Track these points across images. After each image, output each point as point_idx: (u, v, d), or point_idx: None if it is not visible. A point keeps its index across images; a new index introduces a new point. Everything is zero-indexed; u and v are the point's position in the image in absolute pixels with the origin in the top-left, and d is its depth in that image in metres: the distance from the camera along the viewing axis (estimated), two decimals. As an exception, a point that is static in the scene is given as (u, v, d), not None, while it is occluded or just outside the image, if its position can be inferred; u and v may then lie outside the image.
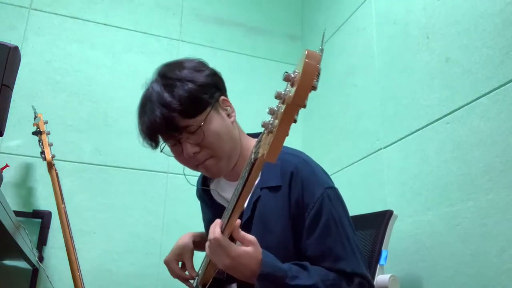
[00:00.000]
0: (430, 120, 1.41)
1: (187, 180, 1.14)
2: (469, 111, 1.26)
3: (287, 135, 0.64)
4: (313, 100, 2.35)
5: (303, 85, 0.58)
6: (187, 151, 1.00)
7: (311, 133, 2.27)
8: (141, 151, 2.00)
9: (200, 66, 1.06)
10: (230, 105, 1.07)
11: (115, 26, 2.12)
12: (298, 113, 0.62)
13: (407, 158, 1.50)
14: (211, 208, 1.16)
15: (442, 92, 1.38)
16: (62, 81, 1.96)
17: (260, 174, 0.99)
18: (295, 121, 0.63)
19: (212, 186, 1.18)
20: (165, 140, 1.04)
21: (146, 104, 1.03)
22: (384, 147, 1.64)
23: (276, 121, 0.63)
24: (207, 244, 0.87)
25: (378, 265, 1.20)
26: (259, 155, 0.69)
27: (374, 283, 1.17)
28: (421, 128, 1.45)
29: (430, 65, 1.44)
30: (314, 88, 0.59)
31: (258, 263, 0.85)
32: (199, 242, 1.20)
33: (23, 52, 1.84)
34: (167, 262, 1.15)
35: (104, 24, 2.10)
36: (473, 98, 1.25)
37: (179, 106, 0.96)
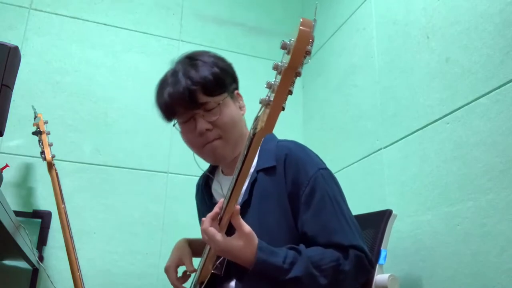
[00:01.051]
0: (430, 120, 1.41)
1: (197, 166, 1.17)
2: (469, 111, 1.26)
3: (284, 102, 0.67)
4: (313, 100, 2.37)
5: (298, 49, 0.62)
6: (201, 126, 1.04)
7: (311, 133, 2.27)
8: (141, 151, 2.03)
9: (221, 58, 1.12)
10: (242, 100, 1.14)
11: (115, 26, 2.12)
12: (294, 83, 0.65)
13: (407, 158, 1.50)
14: (210, 209, 1.17)
15: (442, 92, 1.38)
16: (62, 81, 1.96)
17: (257, 155, 1.02)
18: (290, 93, 0.66)
19: (213, 185, 1.18)
20: (181, 114, 1.07)
21: (170, 78, 1.07)
22: (384, 147, 1.64)
23: (273, 93, 0.66)
24: (202, 232, 0.91)
25: (378, 265, 1.20)
26: (257, 130, 0.72)
27: (373, 283, 1.17)
28: (421, 128, 1.45)
29: (430, 65, 1.44)
30: (308, 52, 0.62)
31: (251, 260, 0.87)
32: (194, 246, 1.21)
33: (23, 52, 1.85)
34: (166, 270, 1.16)
35: (104, 24, 2.11)
36: (473, 98, 1.25)
37: (203, 82, 1.02)
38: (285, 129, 1.96)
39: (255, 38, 2.37)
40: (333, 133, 2.04)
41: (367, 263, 0.96)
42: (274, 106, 0.67)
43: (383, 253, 1.21)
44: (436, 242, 1.31)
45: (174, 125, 1.12)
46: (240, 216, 0.87)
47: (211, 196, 1.19)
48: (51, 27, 2.01)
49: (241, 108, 1.13)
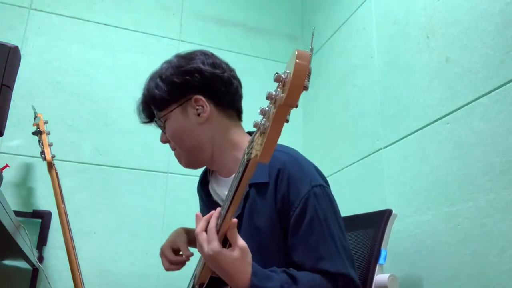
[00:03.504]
0: (430, 120, 1.41)
1: None
2: (469, 111, 1.26)
3: (280, 135, 0.64)
4: (313, 100, 2.36)
5: (295, 86, 0.58)
6: (161, 137, 1.13)
7: (311, 133, 2.27)
8: (141, 151, 2.03)
9: (187, 62, 1.08)
10: (204, 104, 1.07)
11: (115, 26, 2.12)
12: (290, 113, 0.62)
13: (407, 158, 1.50)
14: (207, 206, 1.17)
15: (442, 92, 1.38)
16: (62, 81, 1.96)
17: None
18: (287, 121, 0.63)
19: (211, 183, 1.19)
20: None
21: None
22: (384, 147, 1.64)
23: (268, 123, 0.63)
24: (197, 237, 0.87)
25: (378, 265, 1.20)
26: (252, 155, 0.69)
27: (374, 283, 1.17)
28: (421, 128, 1.45)
29: (430, 65, 1.44)
30: (305, 88, 0.59)
31: (246, 284, 0.83)
32: (192, 236, 1.18)
33: (23, 52, 1.85)
34: (161, 252, 1.14)
35: (104, 24, 2.10)
36: (473, 98, 1.25)
37: (146, 100, 1.11)
38: (285, 129, 1.96)
39: (255, 38, 2.37)
40: (333, 133, 2.04)
41: None
42: (270, 137, 0.63)
43: (383, 253, 1.21)
44: (436, 242, 1.31)
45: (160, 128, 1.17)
46: (236, 230, 0.84)
47: (208, 194, 1.19)
48: (51, 27, 2.01)
49: (199, 115, 1.07)
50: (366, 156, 1.75)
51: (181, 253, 1.14)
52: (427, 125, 1.42)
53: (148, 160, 1.99)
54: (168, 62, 1.11)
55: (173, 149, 1.13)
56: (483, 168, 1.18)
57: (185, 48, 2.19)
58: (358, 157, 1.80)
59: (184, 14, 2.27)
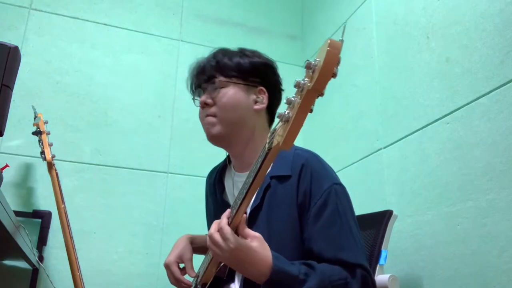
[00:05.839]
0: (430, 120, 1.41)
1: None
2: (469, 111, 1.26)
3: (303, 123, 0.66)
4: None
5: (325, 71, 0.60)
6: (202, 98, 1.12)
7: (311, 133, 2.27)
8: (141, 151, 2.03)
9: (262, 55, 1.17)
10: (264, 97, 1.13)
11: (115, 26, 2.12)
12: (314, 102, 0.64)
13: (407, 158, 1.50)
14: (219, 205, 1.16)
15: (442, 92, 1.38)
16: (62, 81, 1.96)
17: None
18: (311, 111, 0.65)
19: (226, 179, 1.19)
20: (192, 85, 1.18)
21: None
22: (384, 147, 1.64)
23: (293, 110, 0.65)
24: (208, 238, 0.88)
25: (378, 265, 1.20)
26: (274, 144, 0.71)
27: (374, 283, 1.17)
28: (421, 128, 1.45)
29: (430, 65, 1.44)
30: (334, 75, 0.61)
31: (268, 266, 0.85)
32: (196, 244, 1.20)
33: (23, 52, 1.84)
34: (167, 265, 1.15)
35: (104, 24, 2.10)
36: (473, 98, 1.25)
37: (219, 61, 1.11)
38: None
39: (255, 38, 2.37)
40: (333, 133, 2.04)
41: (371, 284, 0.95)
42: (294, 124, 0.65)
43: (383, 254, 1.21)
44: (436, 242, 1.31)
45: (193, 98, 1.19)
46: (245, 225, 0.87)
47: (222, 191, 1.19)
48: (51, 27, 2.01)
49: (256, 102, 1.12)
50: (366, 156, 1.75)
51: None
52: (427, 125, 1.42)
53: (148, 160, 1.99)
54: (244, 48, 1.17)
55: (208, 115, 1.11)
56: (483, 168, 1.18)
57: (185, 48, 2.21)
58: (358, 157, 1.80)
59: (184, 14, 2.27)
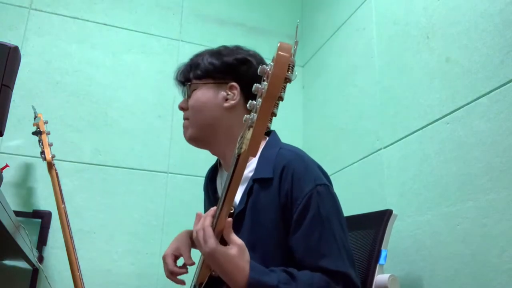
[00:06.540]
0: (430, 120, 1.41)
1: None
2: (469, 111, 1.26)
3: (267, 128, 0.65)
4: (313, 100, 2.36)
5: (275, 76, 0.59)
6: (180, 102, 1.16)
7: (311, 133, 2.27)
8: (141, 151, 2.03)
9: (243, 51, 1.14)
10: (236, 92, 1.10)
11: (115, 26, 2.12)
12: (277, 106, 0.62)
13: (407, 158, 1.50)
14: (212, 203, 1.17)
15: (442, 92, 1.38)
16: (62, 81, 1.96)
17: (255, 166, 1.02)
18: (274, 115, 0.64)
19: (218, 179, 1.19)
20: (181, 91, 1.20)
21: None
22: (384, 147, 1.64)
23: (255, 116, 0.64)
24: (193, 233, 0.88)
25: (378, 265, 1.20)
26: (242, 150, 0.70)
27: (374, 283, 1.17)
28: (421, 128, 1.45)
29: (430, 65, 1.44)
30: (288, 79, 0.59)
31: (244, 278, 0.84)
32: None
33: (23, 52, 1.84)
34: (163, 257, 1.15)
35: (104, 24, 2.11)
36: (473, 98, 1.25)
37: (193, 63, 1.13)
38: (285, 129, 1.97)
39: (255, 38, 2.37)
40: (333, 133, 2.04)
41: None
42: (256, 130, 0.64)
43: (383, 253, 1.21)
44: (436, 242, 1.31)
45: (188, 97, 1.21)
46: (232, 230, 0.85)
47: (215, 190, 1.19)
48: (51, 27, 2.01)
49: (226, 99, 1.09)
50: (366, 156, 1.75)
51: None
52: (427, 125, 1.42)
53: (148, 160, 1.99)
54: (227, 46, 1.17)
55: (185, 118, 1.15)
56: (483, 168, 1.18)
57: (185, 48, 2.21)
58: (358, 157, 1.80)
59: (184, 14, 2.27)
